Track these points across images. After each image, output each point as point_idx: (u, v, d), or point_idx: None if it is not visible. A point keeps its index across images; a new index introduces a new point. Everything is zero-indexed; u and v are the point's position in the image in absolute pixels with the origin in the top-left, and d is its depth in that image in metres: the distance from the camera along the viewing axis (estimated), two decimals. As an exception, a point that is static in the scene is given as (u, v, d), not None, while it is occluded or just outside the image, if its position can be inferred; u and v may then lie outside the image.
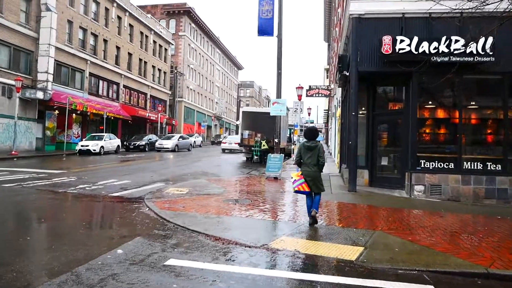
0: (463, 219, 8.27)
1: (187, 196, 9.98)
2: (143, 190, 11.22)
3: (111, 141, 28.88)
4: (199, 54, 62.51)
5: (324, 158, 7.03)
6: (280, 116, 16.18)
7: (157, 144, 33.59)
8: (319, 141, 7.28)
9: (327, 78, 50.62)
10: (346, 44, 14.90)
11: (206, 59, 66.58)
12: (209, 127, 67.70)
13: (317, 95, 25.91)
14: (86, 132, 33.08)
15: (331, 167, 21.09)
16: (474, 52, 10.60)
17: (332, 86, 23.26)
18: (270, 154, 15.18)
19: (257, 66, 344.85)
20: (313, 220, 6.89)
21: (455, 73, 11.10)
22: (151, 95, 46.04)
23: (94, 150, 26.33)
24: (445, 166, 11.24)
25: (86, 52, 33.01)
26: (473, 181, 10.91)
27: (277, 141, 15.82)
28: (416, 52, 10.88)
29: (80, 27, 32.41)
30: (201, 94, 64.08)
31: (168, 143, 33.52)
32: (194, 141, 44.57)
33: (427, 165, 11.35)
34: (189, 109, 58.37)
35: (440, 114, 11.90)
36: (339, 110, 18.86)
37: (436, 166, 11.29)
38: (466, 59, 10.66)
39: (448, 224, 7.46)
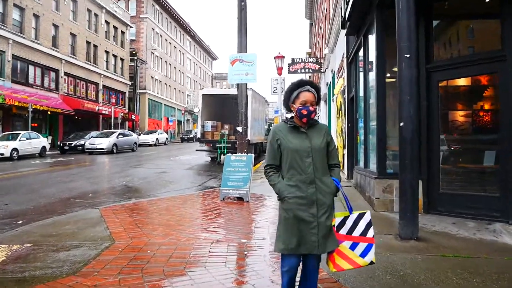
0: None
1: None
2: None
3: (31, 142, 21.55)
4: (166, 40, 55.02)
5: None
6: (246, 87, 9.40)
7: (87, 144, 25.11)
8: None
9: (310, 62, 44.03)
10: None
11: (175, 47, 59.07)
12: (179, 122, 60.31)
13: (302, 70, 19.28)
14: (11, 130, 25.64)
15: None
16: None
17: (326, 51, 16.62)
18: (229, 154, 8.35)
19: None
20: None
21: None
22: (104, 86, 38.58)
23: (2, 154, 19.15)
24: None
25: (6, 28, 25.60)
26: None
27: (241, 131, 8.74)
28: None
29: (-4, -4, 25.06)
30: (170, 86, 56.64)
31: (103, 142, 24.92)
32: (157, 139, 37.53)
33: None
34: (154, 102, 50.93)
35: None
36: (340, 82, 12.24)
37: None
38: None
39: None
